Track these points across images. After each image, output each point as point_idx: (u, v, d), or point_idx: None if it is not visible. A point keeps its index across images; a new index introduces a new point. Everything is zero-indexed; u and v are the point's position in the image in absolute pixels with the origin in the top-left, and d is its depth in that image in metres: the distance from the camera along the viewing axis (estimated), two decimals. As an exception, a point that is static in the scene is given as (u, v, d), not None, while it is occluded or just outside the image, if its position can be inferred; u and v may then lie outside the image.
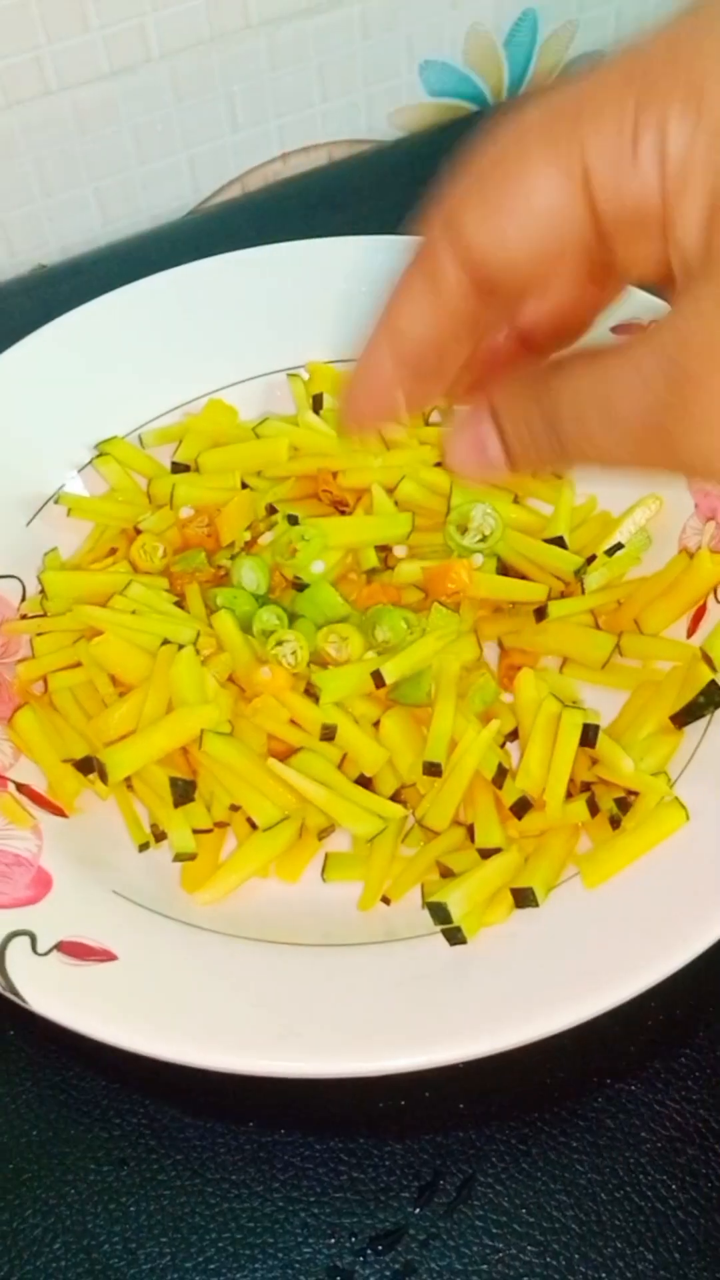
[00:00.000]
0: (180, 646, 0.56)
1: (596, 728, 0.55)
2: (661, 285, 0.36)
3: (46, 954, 0.49)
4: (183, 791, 0.54)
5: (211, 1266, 0.48)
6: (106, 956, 0.50)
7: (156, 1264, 0.48)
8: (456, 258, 0.35)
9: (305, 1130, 0.51)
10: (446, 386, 0.40)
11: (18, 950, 0.49)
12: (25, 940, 0.50)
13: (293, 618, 0.59)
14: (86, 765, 0.56)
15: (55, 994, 0.48)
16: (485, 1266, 0.47)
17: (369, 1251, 0.48)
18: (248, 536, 0.63)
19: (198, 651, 0.57)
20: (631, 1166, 0.49)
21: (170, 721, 0.55)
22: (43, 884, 0.52)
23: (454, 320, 0.37)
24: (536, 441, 0.37)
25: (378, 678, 0.56)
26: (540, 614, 0.60)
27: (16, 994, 0.48)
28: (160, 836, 0.56)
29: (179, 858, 0.54)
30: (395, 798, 0.56)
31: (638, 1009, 0.49)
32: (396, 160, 0.87)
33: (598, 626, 0.60)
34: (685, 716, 0.56)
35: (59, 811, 0.56)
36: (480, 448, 0.38)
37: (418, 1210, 0.49)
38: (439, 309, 0.37)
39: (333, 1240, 0.48)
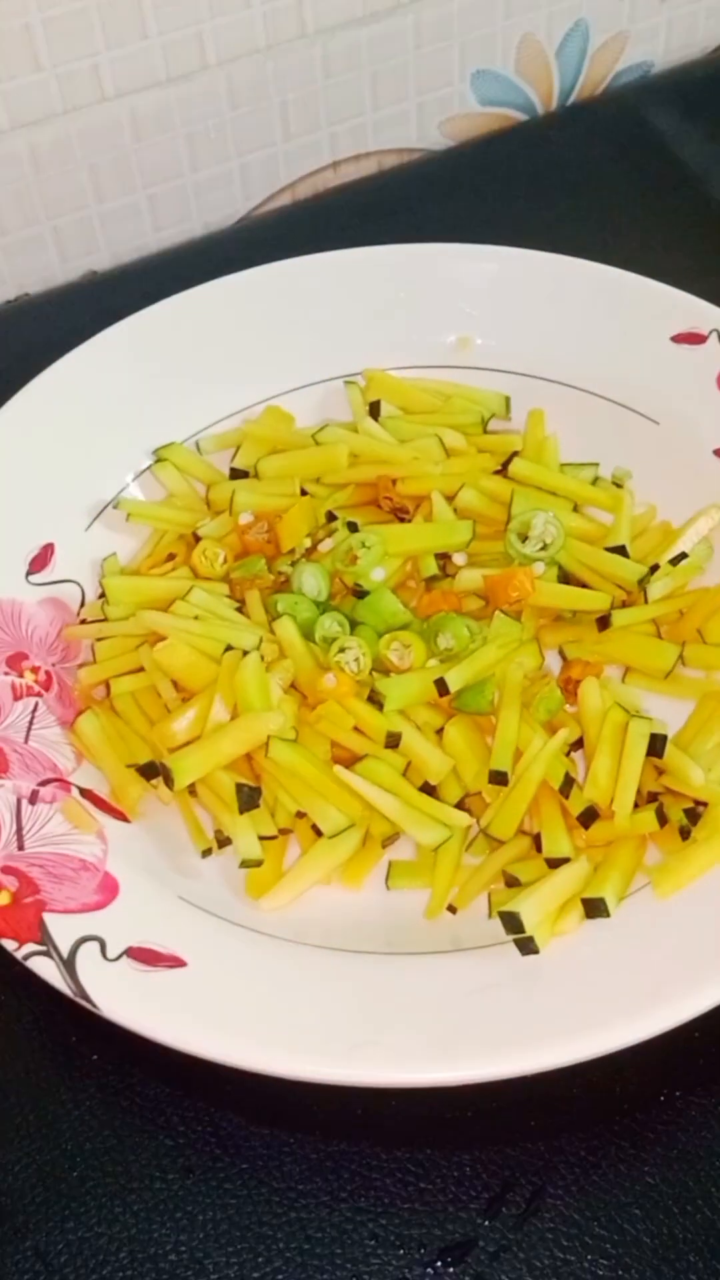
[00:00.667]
0: (245, 653, 0.56)
1: (664, 738, 0.54)
2: None
3: (116, 959, 0.49)
4: (249, 798, 0.54)
5: (279, 1277, 0.48)
6: (176, 963, 0.50)
7: (224, 1274, 0.48)
8: None
9: (371, 1140, 0.50)
10: None
11: (88, 956, 0.49)
12: (95, 946, 0.49)
13: (353, 625, 0.59)
14: (149, 770, 0.56)
15: (128, 1000, 0.48)
16: (557, 1280, 0.47)
17: (438, 1263, 0.48)
18: (308, 543, 0.63)
19: (262, 658, 0.57)
20: (703, 1179, 0.49)
21: (236, 728, 0.55)
22: (110, 889, 0.52)
23: None
24: None
25: (441, 685, 0.56)
26: (603, 623, 0.59)
27: (89, 999, 0.48)
28: (223, 842, 0.55)
29: (245, 864, 0.54)
30: (460, 806, 0.55)
31: (706, 1020, 0.48)
32: (446, 169, 0.87)
33: (660, 636, 0.60)
34: (757, 727, 0.55)
35: (122, 816, 0.56)
36: None
37: (487, 1222, 0.48)
38: None
39: (401, 1252, 0.48)
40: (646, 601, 0.60)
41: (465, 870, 0.54)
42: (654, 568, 0.61)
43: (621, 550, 0.61)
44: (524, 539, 0.61)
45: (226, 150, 0.81)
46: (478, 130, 0.89)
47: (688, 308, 0.67)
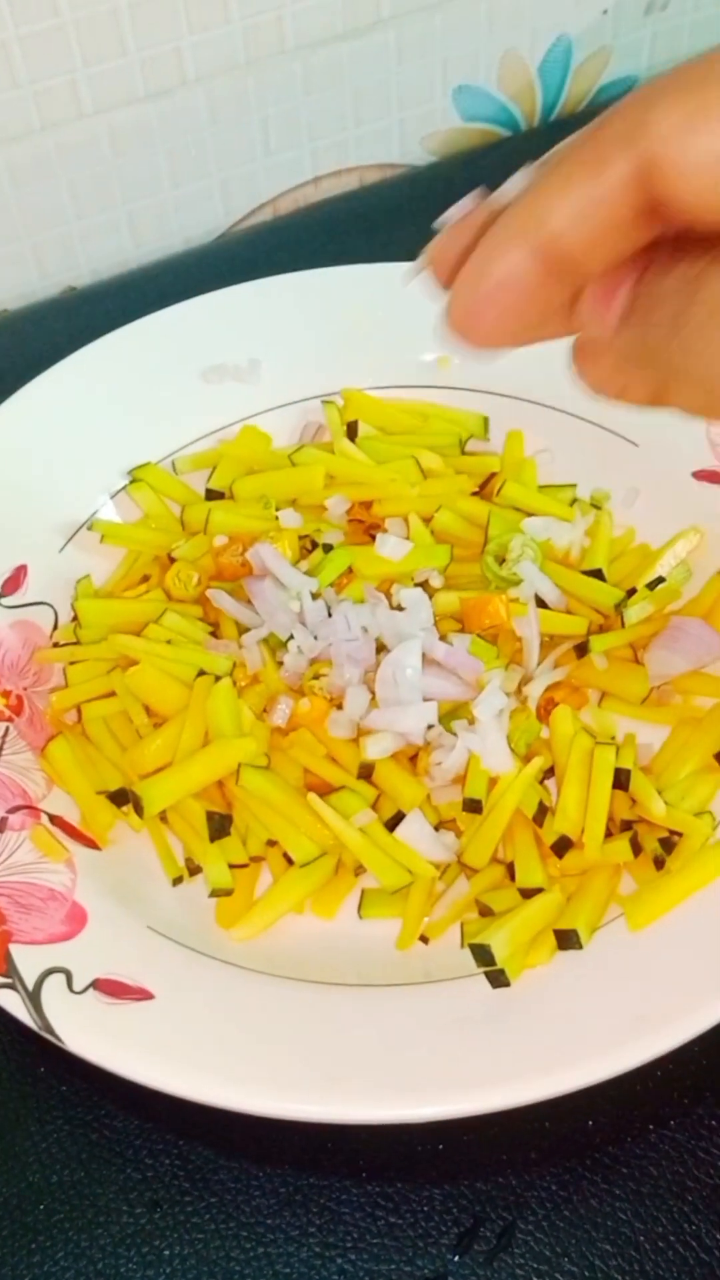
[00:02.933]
0: (217, 678, 0.56)
1: (629, 772, 0.54)
2: None
3: (83, 992, 0.49)
4: (219, 826, 0.54)
5: (247, 1313, 0.47)
6: (143, 995, 0.49)
7: (191, 1310, 0.47)
8: (634, 161, 0.29)
9: (341, 1174, 0.50)
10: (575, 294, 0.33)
11: (54, 989, 0.48)
12: (61, 978, 0.49)
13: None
14: (120, 797, 0.56)
15: (93, 1034, 0.47)
16: (527, 1318, 0.47)
17: (408, 1300, 0.47)
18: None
19: (234, 683, 0.56)
20: (676, 1215, 0.48)
21: (207, 755, 0.54)
22: (78, 919, 0.51)
23: (610, 221, 0.30)
24: (649, 330, 0.31)
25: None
26: (581, 649, 0.59)
27: (53, 1033, 0.47)
28: (194, 870, 0.55)
29: (215, 893, 0.53)
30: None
31: (681, 1053, 0.48)
32: (429, 185, 0.87)
33: (637, 661, 0.60)
34: (730, 755, 0.55)
35: (92, 844, 0.55)
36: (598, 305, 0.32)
37: (457, 1258, 0.48)
38: (598, 204, 0.30)
39: (371, 1288, 0.48)
40: (624, 625, 0.60)
41: (439, 899, 0.54)
42: (631, 591, 0.60)
43: (599, 574, 0.61)
44: (501, 561, 0.61)
45: (207, 166, 0.81)
46: (461, 146, 0.88)
47: None
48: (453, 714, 0.56)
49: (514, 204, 0.31)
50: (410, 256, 0.72)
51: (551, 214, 0.30)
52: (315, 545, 0.62)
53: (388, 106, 0.84)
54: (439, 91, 0.85)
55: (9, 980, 0.49)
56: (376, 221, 0.84)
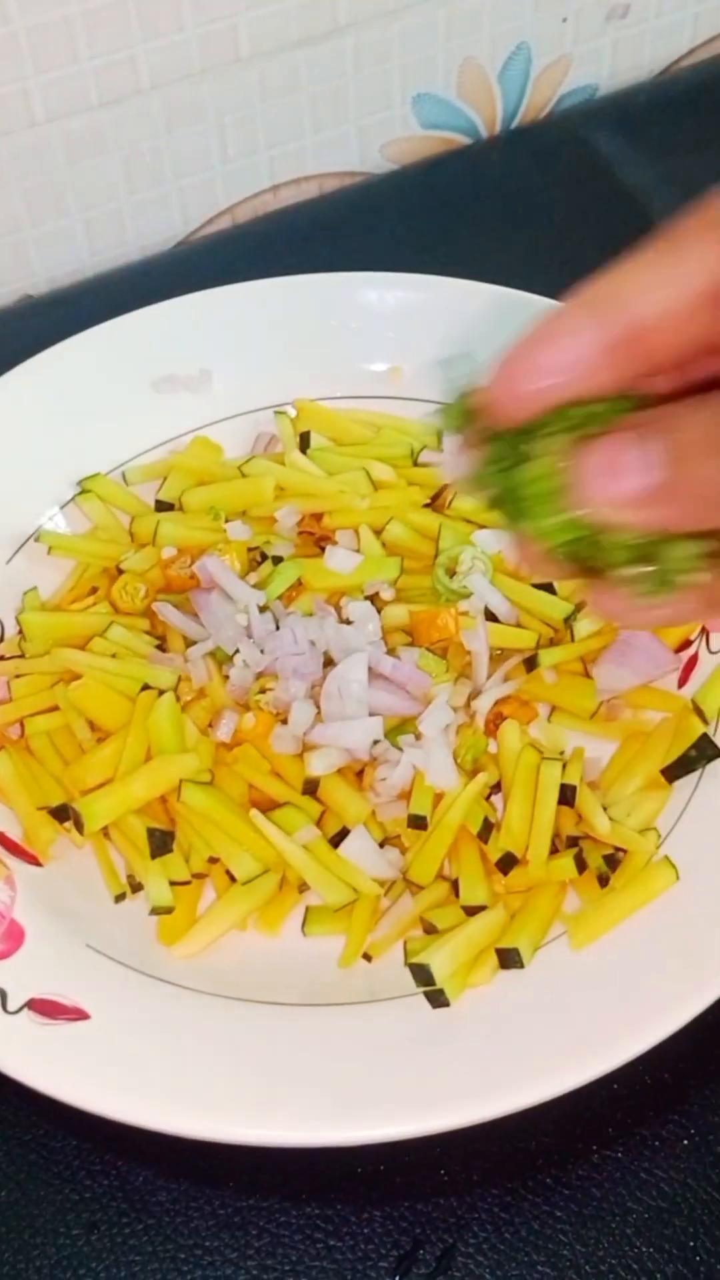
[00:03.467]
0: (160, 692, 0.55)
1: (574, 787, 0.53)
2: None
3: (17, 1012, 0.48)
4: (160, 842, 0.53)
5: (183, 1338, 0.47)
6: (79, 1015, 0.48)
7: (126, 1335, 0.47)
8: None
9: (281, 1195, 0.49)
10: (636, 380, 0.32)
11: (-13, 1009, 0.48)
12: (-5, 998, 0.48)
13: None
14: (62, 813, 0.55)
15: (26, 1055, 0.47)
16: (465, 1342, 0.46)
17: (346, 1324, 0.47)
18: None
19: (178, 698, 0.56)
20: (618, 1238, 0.48)
21: (149, 770, 0.54)
22: (15, 938, 0.51)
23: (688, 310, 0.30)
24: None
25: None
26: (531, 664, 0.58)
27: (-15, 1055, 0.47)
28: (137, 887, 0.54)
29: (155, 911, 0.53)
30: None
31: (624, 1073, 0.47)
32: (388, 193, 0.86)
33: (587, 675, 0.59)
34: (676, 770, 0.55)
35: (33, 860, 0.54)
36: (621, 467, 0.30)
37: (396, 1280, 0.47)
38: (677, 288, 0.30)
39: (309, 1312, 0.47)
40: (573, 639, 0.59)
41: (383, 916, 0.53)
42: (581, 605, 0.60)
43: (549, 587, 0.60)
44: (451, 574, 0.60)
45: (163, 173, 0.80)
46: (420, 153, 0.88)
47: None
48: (399, 728, 0.56)
49: (590, 284, 0.31)
50: (370, 265, 0.72)
51: (623, 286, 0.30)
52: (265, 557, 0.62)
53: (346, 114, 0.83)
54: (398, 99, 0.84)
55: (-58, 1000, 0.48)
56: (337, 230, 0.83)
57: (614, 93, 0.91)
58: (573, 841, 0.54)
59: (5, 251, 0.79)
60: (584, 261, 0.79)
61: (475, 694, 0.58)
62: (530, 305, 0.68)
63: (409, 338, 0.69)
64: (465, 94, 0.86)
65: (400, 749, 0.55)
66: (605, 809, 0.53)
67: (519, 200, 0.85)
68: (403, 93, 0.84)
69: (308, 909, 0.54)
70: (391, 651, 0.58)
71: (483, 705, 0.57)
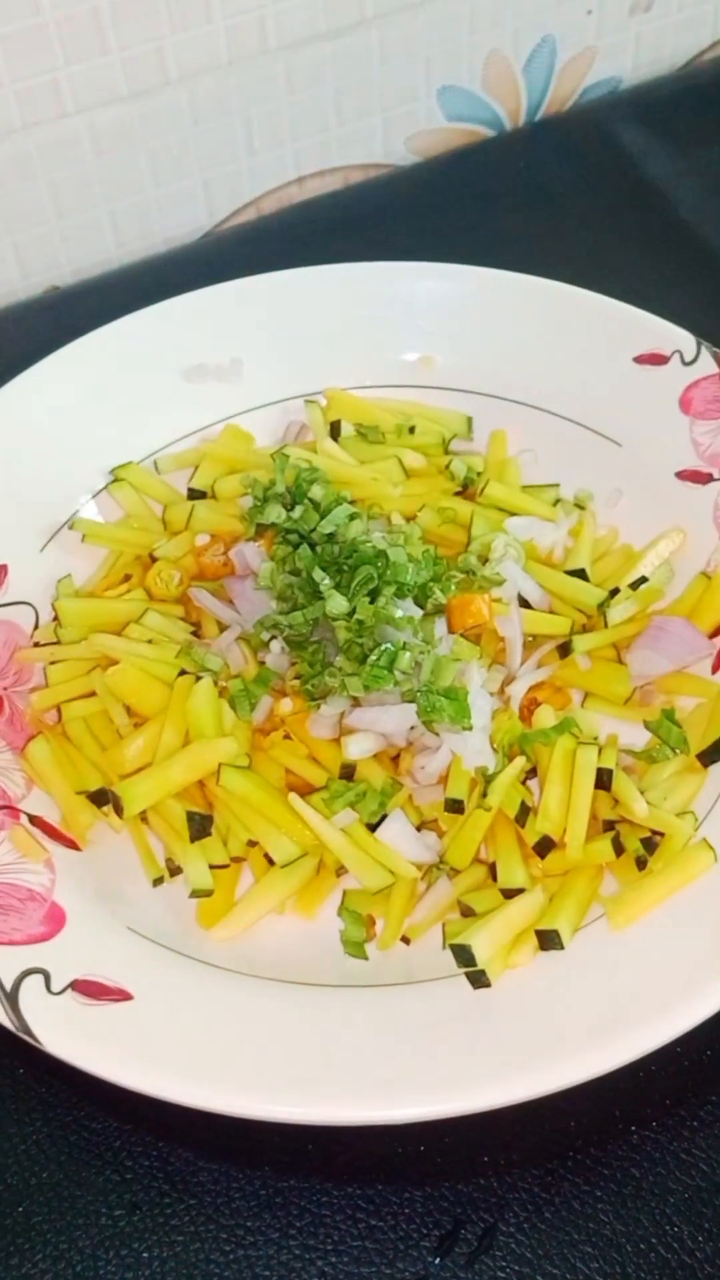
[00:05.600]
0: (198, 677, 0.55)
1: (610, 771, 0.53)
2: None
3: (61, 993, 0.48)
4: (200, 826, 0.53)
5: (226, 1316, 0.47)
6: (122, 996, 0.49)
7: (170, 1313, 0.47)
8: None
9: (322, 1176, 0.50)
10: None
11: (31, 990, 0.48)
12: (39, 979, 0.49)
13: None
14: (100, 797, 0.55)
15: (71, 1035, 0.47)
16: (508, 1320, 0.46)
17: (388, 1303, 0.47)
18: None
19: (215, 683, 0.56)
20: (657, 1217, 0.48)
21: (187, 755, 0.54)
22: (56, 920, 0.51)
23: None
24: None
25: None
26: (565, 650, 0.59)
27: (31, 1035, 0.47)
28: (175, 871, 0.55)
29: (195, 894, 0.53)
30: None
31: (662, 1053, 0.48)
32: (412, 185, 0.87)
33: (620, 661, 0.59)
34: (712, 755, 0.55)
35: (72, 844, 0.55)
36: None
37: (438, 1260, 0.48)
38: None
39: (351, 1290, 0.47)
40: (607, 625, 0.59)
41: (420, 899, 0.54)
42: (614, 591, 0.60)
43: (582, 574, 0.61)
44: (484, 561, 0.60)
45: (189, 166, 0.81)
46: (445, 146, 0.88)
47: (650, 329, 0.66)
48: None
49: None
50: (394, 256, 0.72)
51: None
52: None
53: (371, 106, 0.84)
54: (423, 91, 0.85)
55: (-14, 981, 0.48)
56: (362, 222, 0.84)
57: (638, 85, 0.91)
58: (609, 825, 0.54)
59: (32, 243, 0.80)
60: (606, 251, 0.81)
61: (509, 679, 0.58)
62: (558, 294, 0.68)
63: (440, 327, 0.69)
64: (490, 86, 0.86)
65: (436, 734, 0.55)
66: (642, 793, 0.53)
67: (543, 192, 0.85)
68: (428, 85, 0.84)
69: (345, 892, 0.54)
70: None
71: (517, 691, 0.58)
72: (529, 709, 0.58)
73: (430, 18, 0.81)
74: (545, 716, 0.56)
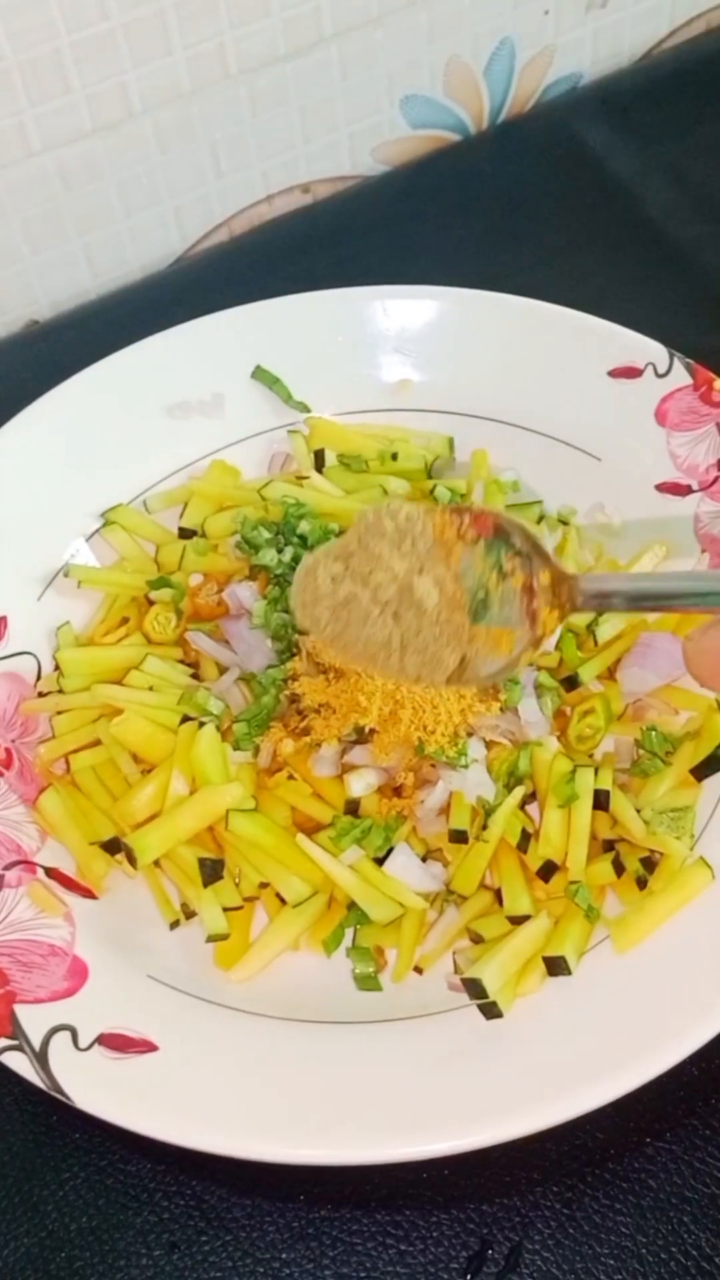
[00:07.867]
0: (201, 723, 0.57)
1: (608, 793, 0.55)
2: None
3: (88, 1049, 0.50)
4: (212, 871, 0.55)
5: (268, 1348, 0.49)
6: (148, 1048, 0.50)
7: (213, 1348, 0.49)
8: None
9: (352, 1205, 0.51)
10: None
11: (60, 1047, 0.50)
12: (66, 1036, 0.50)
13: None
14: (113, 845, 0.57)
15: (101, 1091, 0.49)
16: (538, 1337, 0.48)
17: (422, 1326, 0.49)
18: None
19: (218, 727, 0.57)
20: (675, 1226, 0.50)
21: (195, 803, 0.55)
22: (79, 974, 0.53)
23: None
24: None
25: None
26: (570, 683, 0.59)
27: (62, 1093, 0.48)
28: (191, 913, 0.56)
29: (212, 938, 0.54)
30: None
31: (674, 1066, 0.49)
32: (381, 194, 0.87)
33: (611, 677, 0.61)
34: (705, 769, 0.56)
35: (88, 894, 0.56)
36: None
37: (468, 1280, 0.50)
38: None
39: (386, 1316, 0.49)
40: (596, 644, 0.61)
41: (430, 929, 0.55)
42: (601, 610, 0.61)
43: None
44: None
45: (158, 194, 0.81)
46: (411, 154, 0.89)
47: (622, 342, 0.67)
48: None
49: None
50: (366, 269, 0.73)
51: None
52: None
53: (335, 121, 0.84)
54: (386, 102, 0.85)
55: (15, 1041, 0.50)
56: (333, 236, 0.84)
57: (598, 80, 0.92)
58: (609, 845, 0.55)
59: (9, 281, 0.80)
60: (575, 251, 0.82)
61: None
62: (531, 311, 0.69)
63: (417, 349, 0.70)
64: (452, 92, 0.87)
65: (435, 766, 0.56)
66: (638, 811, 0.55)
67: (510, 193, 0.86)
68: (390, 96, 0.85)
69: (357, 928, 0.55)
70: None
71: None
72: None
73: (389, 30, 0.81)
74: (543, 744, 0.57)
